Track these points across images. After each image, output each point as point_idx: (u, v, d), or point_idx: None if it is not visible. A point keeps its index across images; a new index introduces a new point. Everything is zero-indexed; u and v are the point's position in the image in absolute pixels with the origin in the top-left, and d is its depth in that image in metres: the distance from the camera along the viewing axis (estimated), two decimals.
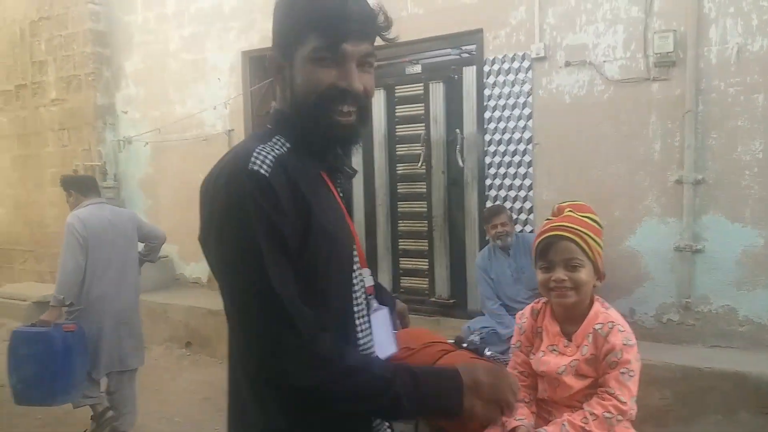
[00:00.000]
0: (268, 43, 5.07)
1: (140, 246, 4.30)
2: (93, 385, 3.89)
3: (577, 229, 1.84)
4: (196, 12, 6.59)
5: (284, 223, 1.11)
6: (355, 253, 1.28)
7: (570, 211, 1.92)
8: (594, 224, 1.90)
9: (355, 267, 1.27)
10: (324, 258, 1.19)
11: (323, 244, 1.17)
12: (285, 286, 1.10)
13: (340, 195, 1.31)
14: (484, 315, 4.34)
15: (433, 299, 5.12)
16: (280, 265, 1.10)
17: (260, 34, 6.11)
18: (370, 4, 1.23)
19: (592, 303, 1.89)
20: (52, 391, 3.66)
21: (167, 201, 6.99)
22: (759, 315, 3.83)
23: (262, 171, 1.12)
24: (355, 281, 1.27)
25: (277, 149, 1.18)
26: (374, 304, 1.39)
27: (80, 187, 4.17)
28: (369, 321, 1.32)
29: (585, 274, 1.83)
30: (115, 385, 3.99)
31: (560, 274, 1.83)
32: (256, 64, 6.34)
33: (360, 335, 1.28)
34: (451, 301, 5.06)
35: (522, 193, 4.59)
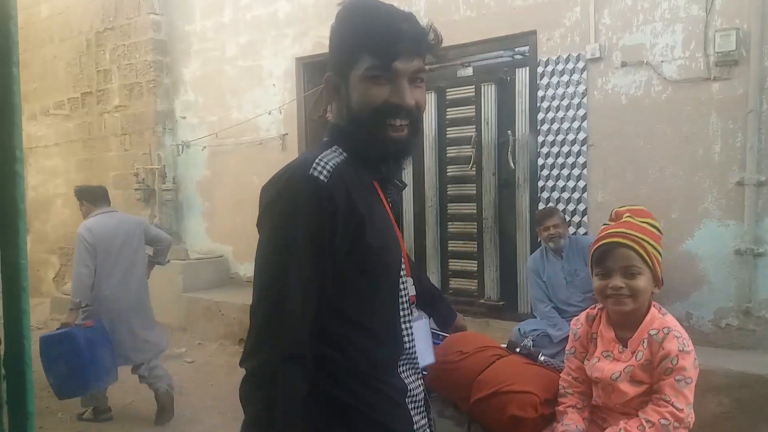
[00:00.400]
0: (322, 50, 5.29)
1: (151, 250, 4.71)
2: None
3: (635, 235, 1.81)
4: (251, 20, 6.78)
5: (334, 230, 1.19)
6: (402, 262, 1.35)
7: (629, 216, 1.88)
8: (653, 230, 1.86)
9: (402, 275, 1.34)
10: (373, 266, 1.27)
11: (374, 252, 1.25)
12: (297, 293, 1.19)
13: (390, 205, 1.39)
14: (534, 317, 4.30)
15: (482, 301, 5.09)
16: (303, 271, 1.19)
17: (314, 40, 6.25)
18: (419, 23, 1.29)
19: (648, 309, 1.85)
20: (86, 381, 4.05)
21: (223, 203, 7.19)
22: None
23: (321, 177, 1.21)
24: (402, 289, 1.34)
25: (336, 158, 1.26)
26: (415, 312, 1.45)
27: (91, 197, 4.57)
28: (412, 328, 1.38)
29: (643, 281, 1.79)
30: (141, 374, 4.43)
31: (618, 281, 1.80)
32: (310, 69, 6.47)
33: (406, 341, 1.35)
34: (501, 303, 5.02)
35: (576, 195, 4.53)
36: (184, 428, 4.28)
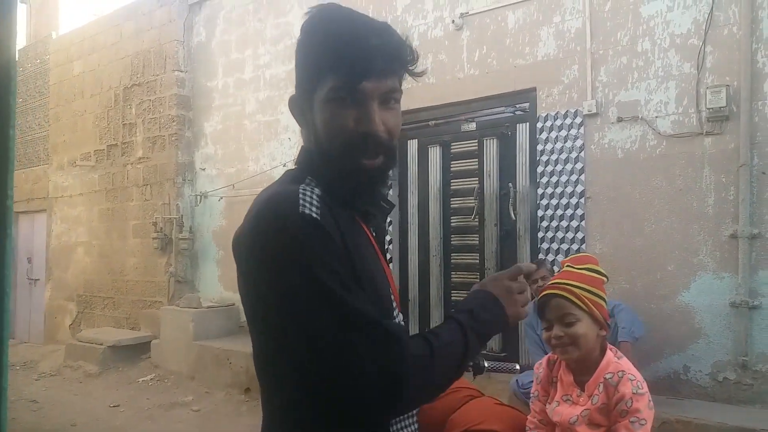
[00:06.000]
0: None
1: None
2: None
3: (568, 284, 1.87)
4: (270, 78, 7.12)
5: (339, 263, 1.06)
6: (392, 296, 1.24)
7: (569, 266, 1.96)
8: (592, 275, 1.92)
9: (393, 308, 1.23)
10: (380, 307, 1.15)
11: (366, 287, 1.12)
12: (365, 304, 1.07)
13: (373, 235, 1.27)
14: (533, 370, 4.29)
15: (484, 352, 5.09)
16: (353, 292, 1.06)
17: None
18: (394, 36, 1.16)
19: (604, 353, 1.91)
20: None
21: None
22: None
23: (313, 214, 1.06)
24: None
25: (316, 190, 1.12)
26: None
27: None
28: None
29: (582, 327, 1.84)
30: None
31: (557, 331, 1.86)
32: None
33: None
34: (503, 354, 5.02)
35: (575, 246, 4.59)
36: None
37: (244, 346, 6.37)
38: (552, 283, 1.93)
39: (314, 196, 1.09)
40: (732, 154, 3.96)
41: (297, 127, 5.55)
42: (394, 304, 1.24)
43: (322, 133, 1.15)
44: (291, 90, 5.58)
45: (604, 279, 1.94)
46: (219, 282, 7.55)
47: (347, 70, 1.09)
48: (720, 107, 3.98)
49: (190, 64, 7.92)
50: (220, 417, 5.63)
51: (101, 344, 7.36)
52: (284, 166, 6.83)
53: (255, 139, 7.26)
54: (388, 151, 1.17)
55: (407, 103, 5.83)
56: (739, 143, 3.92)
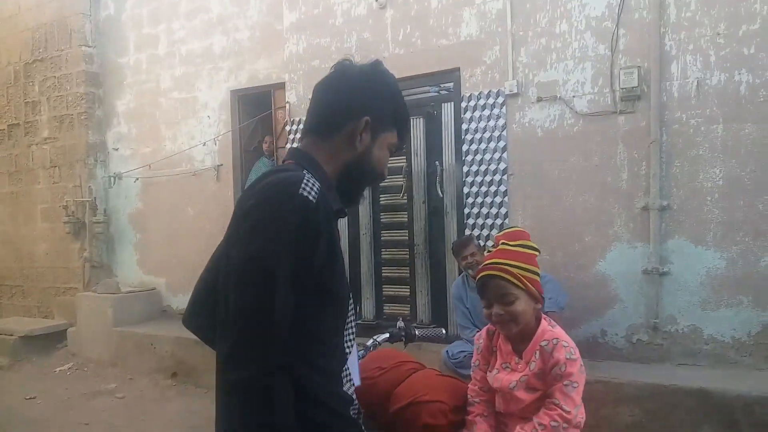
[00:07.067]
0: (257, 83, 5.48)
1: None
2: None
3: (505, 264, 1.99)
4: (187, 54, 6.87)
5: (315, 251, 1.23)
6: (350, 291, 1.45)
7: (504, 243, 2.07)
8: (526, 251, 2.04)
9: (350, 304, 1.44)
10: (341, 287, 1.34)
11: (342, 274, 1.34)
12: (284, 312, 1.21)
13: None
14: (461, 339, 4.47)
15: (415, 324, 5.21)
16: (287, 283, 1.20)
17: (249, 74, 6.38)
18: None
19: (539, 322, 2.04)
20: None
21: (156, 235, 7.12)
22: (722, 333, 3.99)
23: (311, 197, 1.24)
24: (351, 306, 1.45)
25: (317, 183, 1.29)
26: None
27: None
28: (352, 346, 1.48)
29: (521, 305, 1.97)
30: None
31: (498, 309, 1.99)
32: (245, 101, 6.59)
33: (346, 366, 1.42)
34: (432, 326, 5.16)
35: (498, 221, 4.77)
36: None
37: (168, 331, 6.22)
38: (490, 264, 2.03)
39: (315, 186, 1.27)
40: (643, 132, 4.22)
41: (216, 106, 5.38)
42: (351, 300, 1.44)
43: (372, 163, 1.45)
44: (209, 66, 5.47)
45: (537, 253, 2.07)
46: (138, 266, 7.30)
47: (403, 136, 1.50)
48: (632, 87, 4.22)
49: (98, 38, 7.50)
50: (147, 403, 5.50)
51: (11, 335, 6.96)
52: (204, 145, 6.66)
53: (171, 118, 7.02)
54: None
55: None
56: (650, 121, 4.19)
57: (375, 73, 1.45)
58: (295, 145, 1.56)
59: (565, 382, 1.92)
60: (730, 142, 3.98)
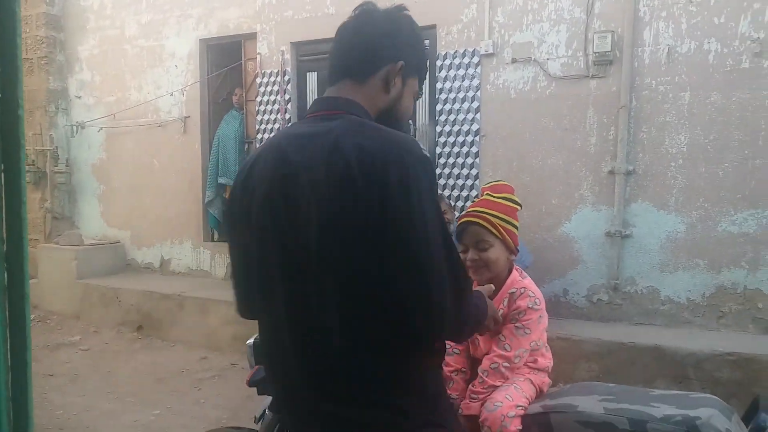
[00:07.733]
0: (227, 32, 5.33)
1: None
2: None
3: (485, 213, 2.05)
4: None
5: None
6: None
7: (488, 194, 2.13)
8: (508, 203, 2.10)
9: None
10: None
11: None
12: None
13: None
14: None
15: None
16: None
17: (219, 22, 6.20)
18: None
19: (510, 272, 2.11)
20: None
21: (120, 186, 6.99)
22: (678, 295, 4.17)
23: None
24: None
25: None
26: None
27: None
28: None
29: (495, 252, 2.04)
30: None
31: (472, 254, 2.05)
32: (214, 51, 6.42)
33: None
34: None
35: (469, 182, 4.83)
36: (80, 415, 4.19)
37: (133, 283, 6.17)
38: (471, 211, 2.09)
39: None
40: (614, 97, 4.29)
41: (184, 55, 5.23)
42: None
43: (401, 110, 1.45)
44: (177, 13, 5.28)
45: (518, 207, 2.13)
46: (102, 218, 7.16)
47: (422, 82, 1.50)
48: (605, 52, 4.27)
49: None
50: (113, 354, 5.48)
51: None
52: (171, 95, 6.50)
53: (137, 66, 6.80)
54: None
55: (308, 33, 5.71)
56: (620, 86, 4.25)
57: (403, 18, 1.44)
58: (326, 94, 1.45)
59: (517, 325, 2.01)
60: (696, 109, 4.08)
